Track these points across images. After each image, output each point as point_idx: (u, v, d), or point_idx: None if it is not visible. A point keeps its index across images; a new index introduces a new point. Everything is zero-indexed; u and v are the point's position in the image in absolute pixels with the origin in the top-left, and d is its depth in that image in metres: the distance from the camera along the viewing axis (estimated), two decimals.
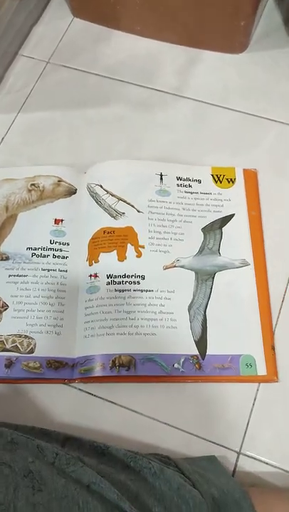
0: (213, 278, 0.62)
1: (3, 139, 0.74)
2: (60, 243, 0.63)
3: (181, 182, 0.67)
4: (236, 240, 0.64)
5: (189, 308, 0.60)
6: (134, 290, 0.60)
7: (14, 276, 0.61)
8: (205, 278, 0.62)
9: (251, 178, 0.68)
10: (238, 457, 0.55)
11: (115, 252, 0.62)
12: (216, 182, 0.68)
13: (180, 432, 0.56)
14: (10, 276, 0.61)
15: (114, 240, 0.63)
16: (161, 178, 0.67)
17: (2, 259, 0.62)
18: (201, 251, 0.63)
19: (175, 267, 0.62)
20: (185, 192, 0.67)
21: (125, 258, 0.62)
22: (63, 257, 0.63)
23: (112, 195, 0.66)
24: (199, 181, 0.68)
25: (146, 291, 0.60)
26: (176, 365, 0.57)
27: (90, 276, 0.61)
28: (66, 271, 0.62)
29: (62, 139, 0.73)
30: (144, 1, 0.73)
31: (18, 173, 0.68)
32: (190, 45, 0.78)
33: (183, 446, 0.56)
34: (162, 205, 0.65)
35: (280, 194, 0.68)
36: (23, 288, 0.60)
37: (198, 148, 0.71)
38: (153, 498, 0.44)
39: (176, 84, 0.76)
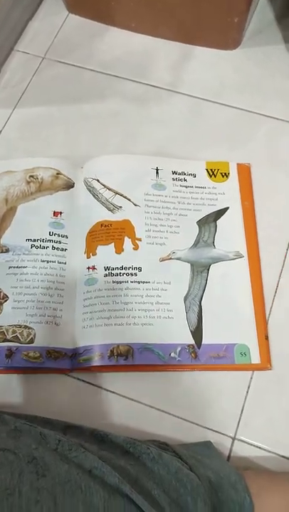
0: (208, 270, 0.63)
1: (0, 133, 0.74)
2: (59, 235, 0.64)
3: (177, 176, 0.68)
4: (230, 232, 0.66)
5: (185, 299, 0.61)
6: (132, 282, 0.61)
7: (14, 267, 0.62)
8: (200, 270, 0.63)
9: (245, 172, 0.70)
10: (232, 442, 0.57)
11: (113, 244, 0.63)
12: (211, 176, 0.69)
13: (177, 419, 0.58)
14: (10, 267, 0.62)
15: (111, 233, 0.64)
16: (157, 173, 0.68)
17: (2, 252, 0.62)
18: (196, 244, 0.64)
19: (171, 259, 0.63)
20: (180, 186, 0.68)
21: (123, 250, 0.63)
22: (62, 249, 0.63)
23: (109, 189, 0.66)
24: (194, 175, 0.69)
25: (143, 282, 0.61)
26: (172, 355, 0.59)
27: (88, 268, 0.62)
28: (65, 263, 0.63)
29: (58, 134, 0.74)
30: None
31: (17, 165, 0.68)
32: (185, 42, 0.79)
33: (180, 432, 0.57)
34: (158, 199, 0.67)
35: (274, 188, 0.69)
36: (23, 279, 0.61)
37: (192, 143, 0.72)
38: (152, 482, 0.45)
39: (170, 80, 0.77)
